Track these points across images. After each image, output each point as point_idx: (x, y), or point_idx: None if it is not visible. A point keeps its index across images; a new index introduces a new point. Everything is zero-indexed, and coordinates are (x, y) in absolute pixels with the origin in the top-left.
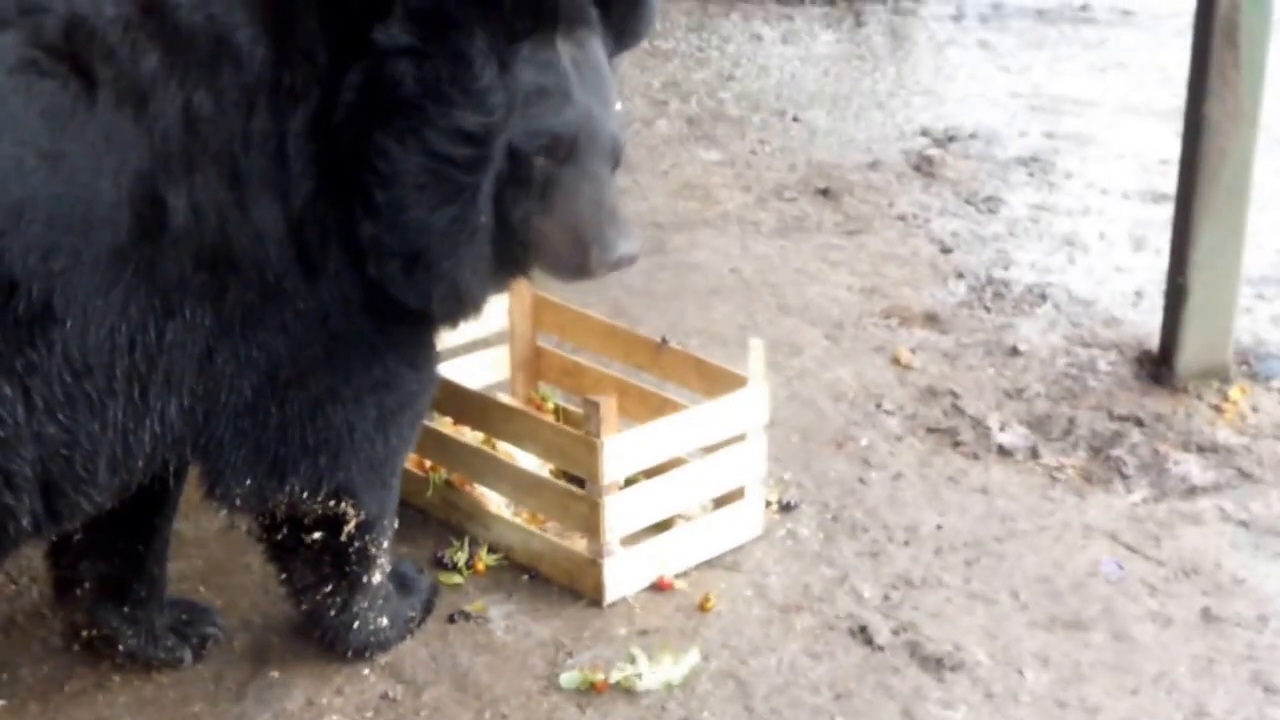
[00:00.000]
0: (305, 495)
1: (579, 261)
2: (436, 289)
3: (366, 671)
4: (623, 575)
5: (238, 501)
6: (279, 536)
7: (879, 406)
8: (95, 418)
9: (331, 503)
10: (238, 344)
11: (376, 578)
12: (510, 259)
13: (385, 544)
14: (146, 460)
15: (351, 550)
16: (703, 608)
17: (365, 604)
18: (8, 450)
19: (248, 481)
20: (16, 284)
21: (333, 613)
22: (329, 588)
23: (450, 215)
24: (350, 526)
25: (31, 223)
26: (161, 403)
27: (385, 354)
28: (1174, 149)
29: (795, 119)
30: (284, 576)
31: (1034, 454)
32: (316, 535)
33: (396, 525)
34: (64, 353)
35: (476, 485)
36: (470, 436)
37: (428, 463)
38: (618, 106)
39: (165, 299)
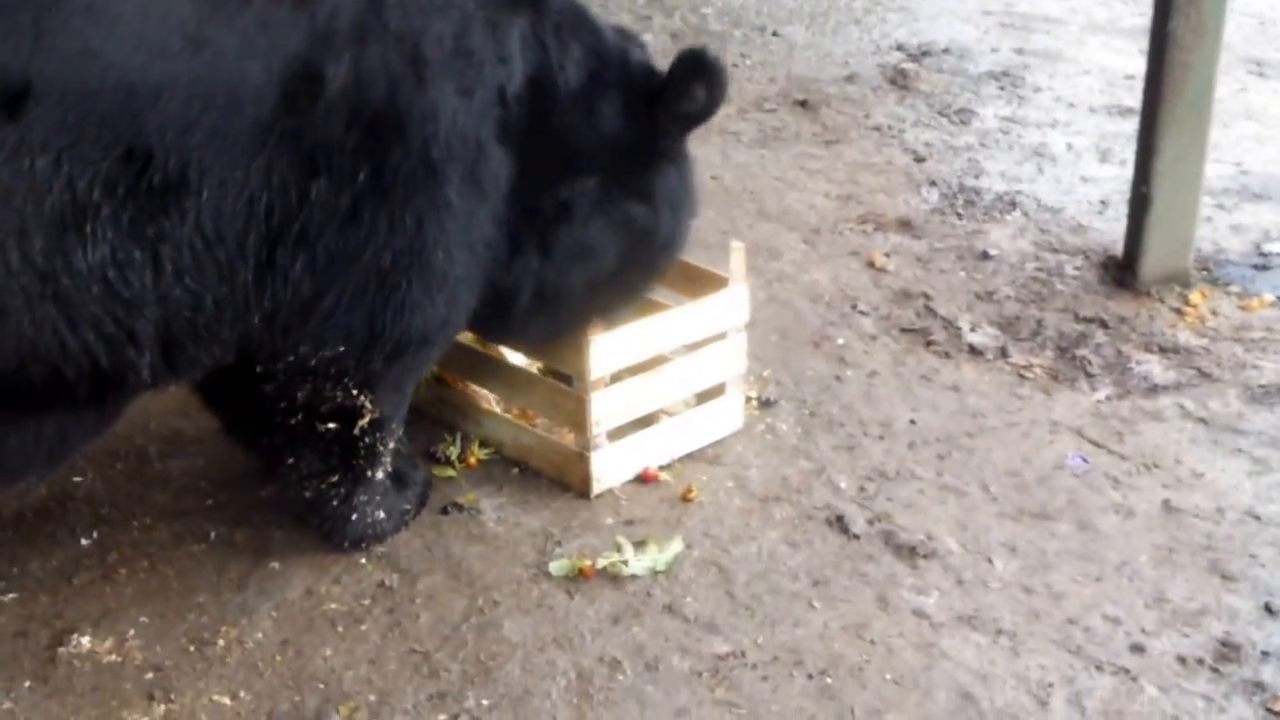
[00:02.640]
0: (352, 369)
1: None
2: (549, 331)
3: (363, 561)
4: (609, 468)
5: (290, 369)
6: (292, 421)
7: (854, 308)
8: (223, 282)
9: (355, 392)
10: (393, 207)
11: (379, 474)
12: None
13: (391, 444)
14: (263, 317)
15: (361, 445)
16: (685, 498)
17: (365, 497)
18: (132, 310)
19: (329, 346)
20: (153, 156)
21: (334, 503)
22: (335, 478)
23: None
24: (364, 422)
25: (171, 101)
26: (288, 261)
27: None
28: (1139, 65)
29: (775, 34)
30: (290, 462)
31: (1003, 353)
32: (331, 426)
33: (401, 429)
34: (196, 221)
35: (468, 382)
36: (463, 335)
37: None
38: None
39: (310, 159)
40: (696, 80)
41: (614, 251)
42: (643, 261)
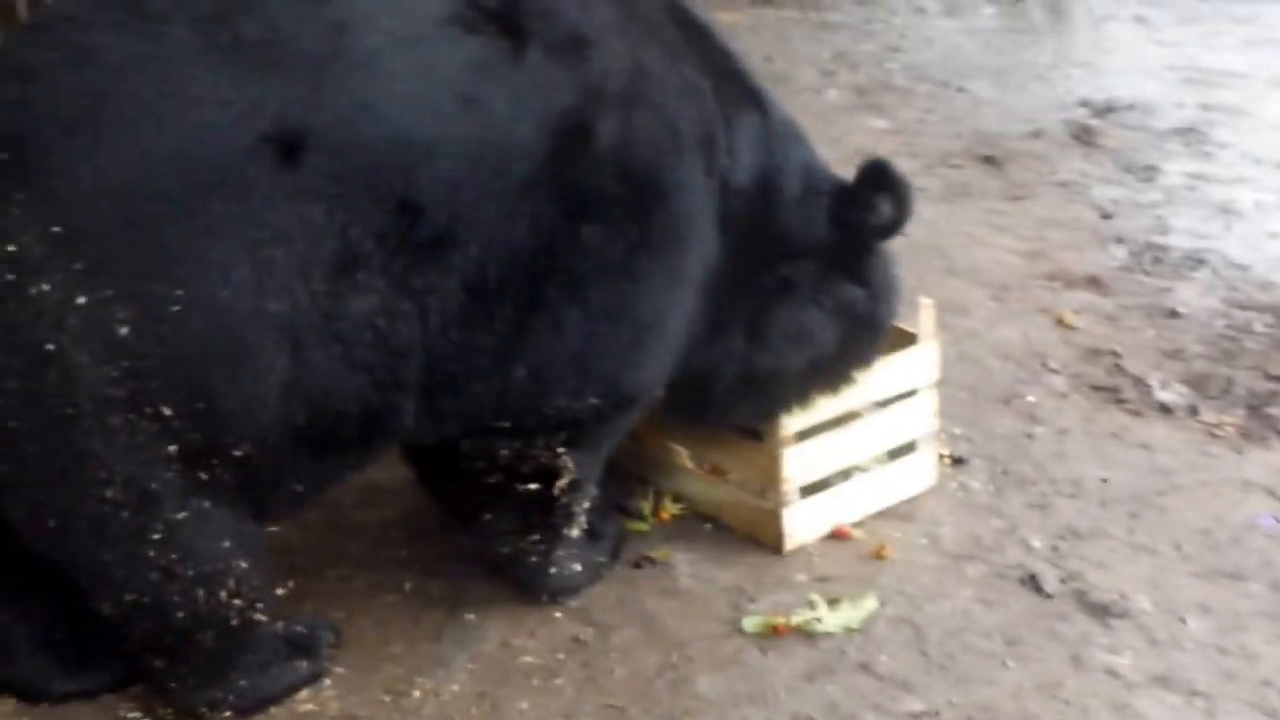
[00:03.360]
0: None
1: None
2: (755, 414)
3: (558, 614)
4: (801, 524)
5: (542, 423)
6: (491, 480)
7: (1044, 365)
8: (486, 334)
9: (560, 451)
10: (651, 267)
11: (575, 532)
12: None
13: (586, 503)
14: (529, 369)
15: (559, 504)
16: (878, 556)
17: (561, 552)
18: (399, 358)
19: (584, 398)
20: (423, 210)
21: (532, 558)
22: (534, 536)
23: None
24: (562, 482)
25: (442, 158)
26: (557, 311)
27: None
28: None
29: (960, 90)
30: (487, 519)
31: (1193, 412)
32: (532, 486)
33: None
34: (463, 275)
35: (661, 437)
36: None
37: None
38: None
39: (580, 206)
40: (880, 194)
41: (834, 335)
42: (859, 347)
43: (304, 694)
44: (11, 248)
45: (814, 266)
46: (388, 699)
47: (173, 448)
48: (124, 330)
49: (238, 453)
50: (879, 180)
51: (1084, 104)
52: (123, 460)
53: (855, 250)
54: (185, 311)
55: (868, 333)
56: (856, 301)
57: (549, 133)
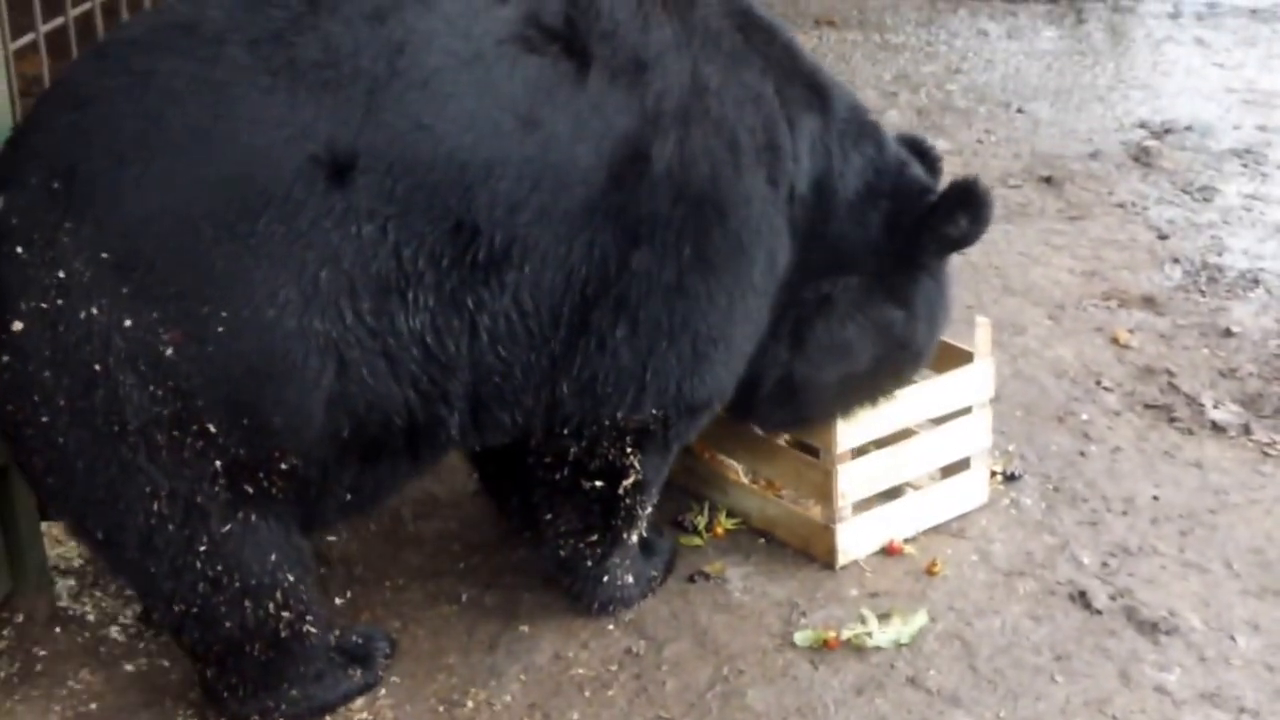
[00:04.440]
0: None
1: None
2: (790, 421)
3: (611, 627)
4: (854, 540)
5: (600, 434)
6: (557, 477)
7: (1098, 384)
8: (534, 351)
9: (629, 451)
10: (712, 283)
11: (634, 538)
12: None
13: (649, 507)
14: (575, 384)
15: (622, 505)
16: (930, 572)
17: (617, 559)
18: (447, 372)
19: (644, 410)
20: (479, 231)
21: (588, 563)
22: (593, 537)
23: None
24: (628, 482)
25: (501, 179)
26: (607, 330)
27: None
28: None
29: (1019, 110)
30: (549, 518)
31: (1246, 430)
32: (597, 483)
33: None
34: (515, 294)
35: (716, 453)
36: None
37: None
38: None
39: (633, 231)
40: (963, 209)
41: (869, 353)
42: (894, 366)
43: (358, 703)
44: (61, 274)
45: (857, 282)
46: (441, 709)
47: (219, 463)
48: (169, 351)
49: (284, 466)
50: (965, 197)
51: (1142, 125)
52: (169, 475)
53: (903, 267)
54: (230, 332)
55: (903, 353)
56: (895, 323)
57: (607, 157)
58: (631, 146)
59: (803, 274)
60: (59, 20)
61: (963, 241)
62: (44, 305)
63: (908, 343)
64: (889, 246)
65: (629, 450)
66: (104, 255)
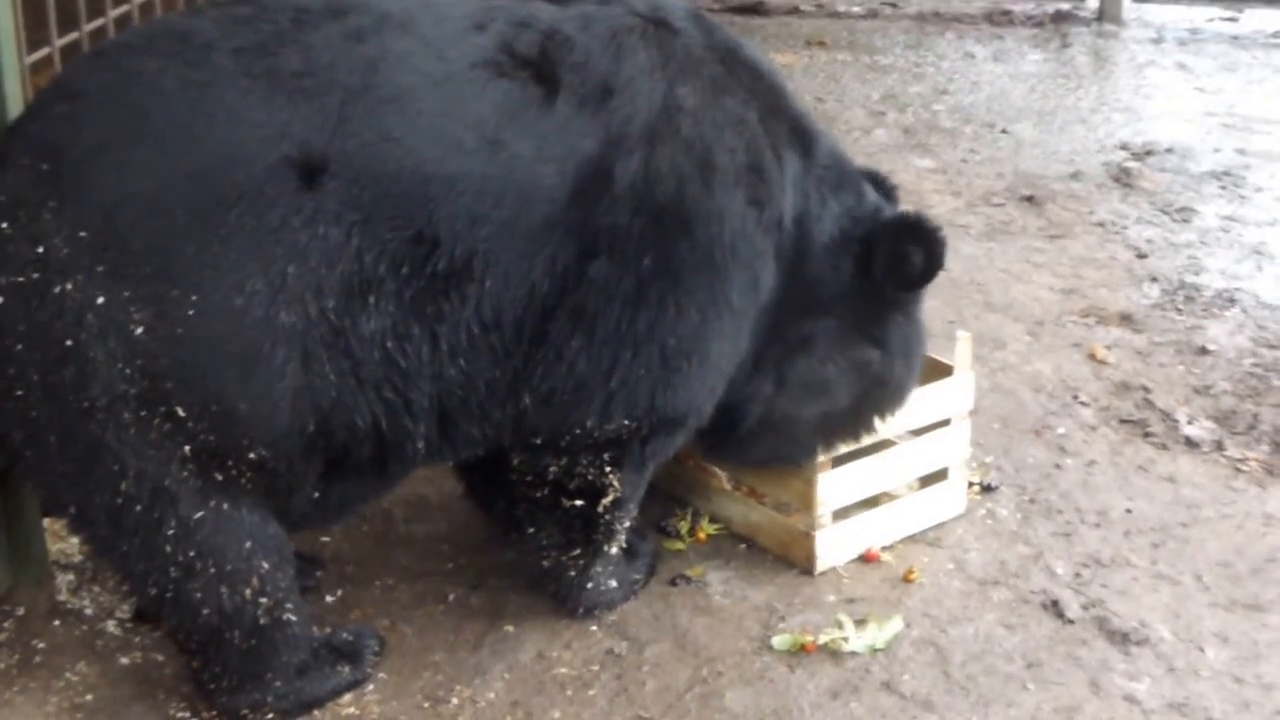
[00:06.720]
0: (624, 443)
1: None
2: (770, 456)
3: (594, 629)
4: (833, 547)
5: (574, 443)
6: (539, 495)
7: (1075, 398)
8: (497, 367)
9: (608, 470)
10: (680, 295)
11: (615, 549)
12: None
13: (628, 521)
14: (538, 397)
15: (601, 521)
16: (906, 579)
17: (599, 568)
18: (409, 381)
19: (614, 420)
20: (439, 242)
21: (571, 573)
22: (575, 551)
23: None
24: (607, 500)
25: (463, 194)
26: (563, 341)
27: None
28: None
29: (1004, 131)
30: (531, 532)
31: (1219, 446)
32: (578, 502)
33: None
34: (476, 307)
35: (701, 460)
36: None
37: None
38: None
39: (591, 242)
40: (914, 246)
41: (848, 391)
42: (874, 403)
43: (347, 698)
44: (40, 249)
45: (834, 324)
46: (427, 705)
47: (187, 447)
48: (139, 330)
49: (252, 456)
50: (913, 232)
51: (1123, 147)
52: (136, 455)
53: (876, 308)
54: (199, 315)
55: (881, 390)
56: (871, 362)
57: (571, 177)
58: (594, 166)
59: (785, 311)
60: (74, 35)
61: (921, 280)
62: (21, 279)
63: (886, 380)
64: (861, 289)
65: (607, 468)
66: (82, 234)
